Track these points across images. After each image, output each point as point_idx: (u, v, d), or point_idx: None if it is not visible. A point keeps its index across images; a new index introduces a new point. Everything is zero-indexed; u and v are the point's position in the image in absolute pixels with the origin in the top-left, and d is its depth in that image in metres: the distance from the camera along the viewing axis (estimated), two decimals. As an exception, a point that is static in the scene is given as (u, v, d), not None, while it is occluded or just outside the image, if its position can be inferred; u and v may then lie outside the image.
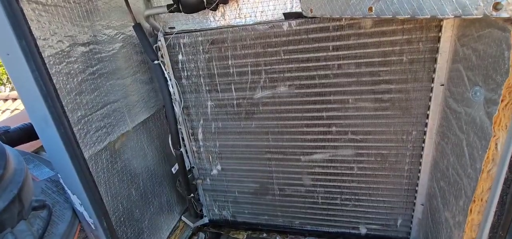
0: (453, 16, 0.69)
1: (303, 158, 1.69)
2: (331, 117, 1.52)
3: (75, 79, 1.17)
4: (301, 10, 1.34)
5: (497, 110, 0.65)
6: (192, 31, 1.53)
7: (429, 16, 0.75)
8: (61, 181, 1.12)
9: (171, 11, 1.42)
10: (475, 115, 0.82)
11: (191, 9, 1.37)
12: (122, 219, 1.47)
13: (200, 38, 1.53)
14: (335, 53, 1.37)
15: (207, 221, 2.10)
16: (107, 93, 1.35)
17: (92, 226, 1.19)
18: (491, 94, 0.71)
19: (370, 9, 0.94)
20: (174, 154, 1.68)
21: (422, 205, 1.58)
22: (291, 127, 1.62)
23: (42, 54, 0.92)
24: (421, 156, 1.48)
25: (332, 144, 1.60)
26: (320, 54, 1.39)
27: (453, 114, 1.03)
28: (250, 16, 1.45)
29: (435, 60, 1.25)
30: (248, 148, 1.76)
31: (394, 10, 0.85)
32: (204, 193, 2.02)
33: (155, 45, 1.56)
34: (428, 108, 1.36)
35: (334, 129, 1.55)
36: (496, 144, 0.68)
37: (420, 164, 1.50)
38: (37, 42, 0.90)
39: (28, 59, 0.91)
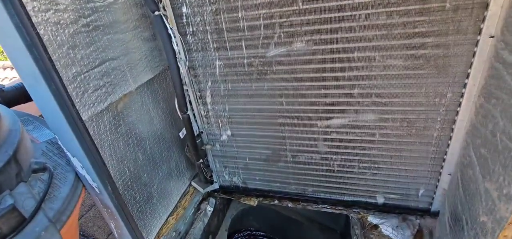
0: None
1: (320, 123, 1.55)
2: (353, 78, 1.36)
3: (66, 31, 1.04)
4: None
5: None
6: (197, -21, 1.35)
7: None
8: (60, 143, 1.04)
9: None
10: (549, 66, 0.65)
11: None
12: (129, 183, 1.41)
13: (206, -14, 1.35)
14: (363, 0, 1.17)
15: (217, 187, 2.05)
16: (105, 48, 1.23)
17: (96, 190, 1.12)
18: None
19: None
20: (181, 117, 1.57)
21: (449, 174, 1.44)
22: (307, 89, 1.46)
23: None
24: (454, 122, 1.31)
25: (352, 107, 1.44)
26: (345, 2, 1.20)
27: (509, 69, 0.85)
28: (263, -41, 1.25)
29: (486, 6, 1.04)
30: (260, 112, 1.63)
31: None
32: (213, 159, 1.95)
33: (156, -6, 1.39)
34: (470, 66, 1.17)
35: (356, 91, 1.39)
36: None
37: (452, 130, 1.34)
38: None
39: (5, 3, 0.78)
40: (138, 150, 1.49)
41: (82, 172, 1.07)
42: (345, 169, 1.67)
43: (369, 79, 1.34)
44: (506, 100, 0.84)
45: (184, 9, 1.43)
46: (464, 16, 1.09)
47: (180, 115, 1.58)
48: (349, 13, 1.21)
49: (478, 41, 1.11)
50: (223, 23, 1.41)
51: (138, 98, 1.47)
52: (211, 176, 2.00)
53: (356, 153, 1.58)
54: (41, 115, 1.68)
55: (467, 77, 1.19)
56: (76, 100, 1.06)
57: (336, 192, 1.78)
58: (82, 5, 1.11)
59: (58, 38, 1.00)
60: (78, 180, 1.14)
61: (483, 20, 1.07)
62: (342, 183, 1.73)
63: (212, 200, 2.03)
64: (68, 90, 0.95)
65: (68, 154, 1.05)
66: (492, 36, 1.06)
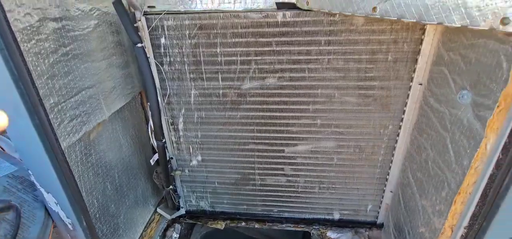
0: (460, 25, 0.75)
1: (287, 149, 1.72)
2: (317, 111, 1.57)
3: (47, 61, 1.01)
4: (295, 1, 1.33)
5: (492, 115, 0.73)
6: (178, 13, 1.42)
7: (435, 23, 0.80)
8: (33, 179, 0.97)
9: (154, -11, 1.29)
10: (461, 116, 0.91)
11: (178, -11, 1.26)
12: (97, 215, 1.34)
13: (186, 22, 1.43)
14: (326, 48, 1.40)
15: (184, 213, 2.04)
16: (82, 77, 1.20)
17: (70, 226, 1.06)
18: (483, 99, 0.80)
19: (374, 9, 0.97)
20: (155, 145, 1.57)
21: (391, 192, 1.74)
22: (277, 118, 1.62)
23: (13, 29, 0.77)
24: (394, 148, 1.61)
25: (315, 136, 1.65)
26: (312, 47, 1.41)
27: (435, 113, 1.13)
28: (240, 2, 1.39)
29: (416, 61, 1.36)
30: (232, 139, 1.73)
31: (400, 13, 0.89)
32: (181, 184, 1.94)
33: (135, 25, 1.41)
34: (405, 105, 1.48)
35: (318, 121, 1.60)
36: (486, 144, 0.76)
37: (393, 155, 1.64)
38: (7, 15, 0.75)
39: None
40: (107, 179, 1.43)
41: (56, 208, 1.01)
42: (307, 190, 1.85)
43: (329, 112, 1.57)
44: (434, 136, 1.11)
45: (163, 41, 1.48)
46: (401, 66, 1.39)
47: (154, 144, 1.57)
48: (315, 57, 1.43)
49: (410, 86, 1.42)
50: (202, 56, 1.50)
51: (109, 126, 1.43)
52: (178, 202, 1.98)
53: (317, 175, 1.78)
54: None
55: (404, 113, 1.50)
56: (55, 131, 1.01)
57: (299, 211, 1.95)
58: (63, 34, 1.09)
59: (39, 68, 0.97)
60: (48, 216, 1.06)
61: (414, 71, 1.38)
62: (304, 202, 1.91)
63: (177, 227, 2.00)
64: (51, 123, 0.92)
65: (42, 189, 0.99)
66: (421, 84, 1.38)
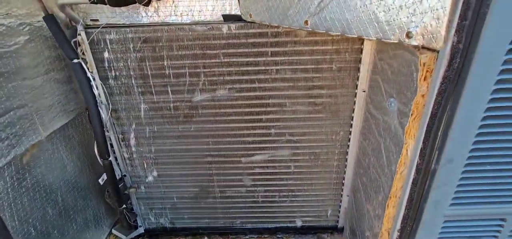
0: (375, 38, 0.78)
1: (244, 160, 1.71)
2: (270, 120, 1.58)
3: (-40, 81, 0.93)
4: (240, 13, 1.34)
5: (408, 122, 0.77)
6: (120, 26, 1.38)
7: (356, 36, 0.83)
8: None
9: (93, 2, 1.24)
10: (390, 123, 0.95)
11: (118, 3, 1.23)
12: (35, 245, 1.24)
13: (130, 35, 1.39)
14: (273, 58, 1.42)
15: (142, 231, 1.95)
16: (9, 97, 1.11)
17: (-8, 261, 0.97)
18: (403, 107, 0.84)
19: (306, 22, 1.00)
20: (102, 164, 1.49)
21: (348, 196, 1.78)
22: (231, 129, 1.61)
23: None
24: (346, 153, 1.66)
25: (271, 145, 1.65)
26: (259, 59, 1.42)
27: (373, 119, 1.18)
28: (187, 14, 1.38)
29: (358, 69, 1.41)
30: (187, 152, 1.69)
31: (326, 27, 0.92)
32: (138, 202, 1.86)
33: (74, 39, 1.34)
34: (353, 112, 1.53)
35: (272, 131, 1.61)
36: (407, 150, 0.80)
37: (346, 160, 1.68)
38: None
39: None
40: (47, 204, 1.34)
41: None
42: (268, 199, 1.85)
43: (282, 121, 1.58)
44: (373, 141, 1.15)
45: (106, 55, 1.42)
46: (345, 75, 1.44)
47: (100, 162, 1.49)
48: (263, 68, 1.44)
49: (356, 93, 1.47)
50: (148, 70, 1.46)
51: (49, 146, 1.34)
52: (135, 221, 1.90)
53: (276, 183, 1.79)
54: None
55: (352, 119, 1.55)
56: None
57: (261, 220, 1.94)
58: (-18, 52, 1.01)
59: (-52, 90, 0.88)
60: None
61: (358, 78, 1.43)
62: (266, 212, 1.90)
63: (136, 247, 1.91)
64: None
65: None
66: (364, 91, 1.43)
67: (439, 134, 0.70)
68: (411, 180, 0.81)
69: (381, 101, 1.08)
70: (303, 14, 0.99)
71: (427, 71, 0.69)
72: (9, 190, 1.13)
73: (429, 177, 0.76)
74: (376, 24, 0.76)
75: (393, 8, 0.70)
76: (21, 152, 1.16)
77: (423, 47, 0.69)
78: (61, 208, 1.43)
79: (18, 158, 1.16)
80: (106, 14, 1.38)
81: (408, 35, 0.70)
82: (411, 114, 0.75)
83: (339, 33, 0.88)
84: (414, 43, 0.69)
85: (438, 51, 0.66)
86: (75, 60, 1.24)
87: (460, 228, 0.84)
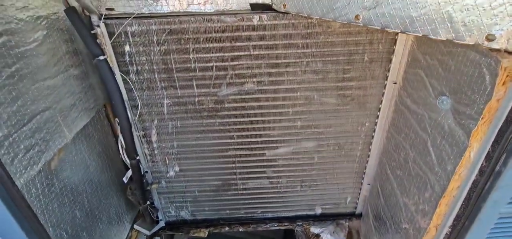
0: (445, 38, 0.75)
1: (268, 153, 1.69)
2: (297, 113, 1.55)
3: (-12, 88, 0.84)
4: (270, 3, 1.27)
5: (476, 126, 0.76)
6: (142, 17, 1.28)
7: (420, 34, 0.80)
8: (-14, 230, 0.82)
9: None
10: (442, 121, 0.94)
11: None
12: (68, 250, 1.21)
13: (154, 27, 1.29)
14: (305, 50, 1.37)
15: (163, 225, 1.94)
16: (35, 100, 1.03)
17: (36, 273, 0.93)
18: (465, 108, 0.82)
19: (357, 17, 0.95)
20: (129, 163, 1.44)
21: (369, 184, 1.81)
22: (257, 123, 1.58)
23: None
24: (371, 144, 1.66)
25: (296, 137, 1.64)
26: (290, 51, 1.37)
27: (413, 114, 1.17)
28: (211, 3, 1.30)
29: (390, 60, 1.38)
30: (211, 146, 1.65)
31: (383, 23, 0.88)
32: (159, 197, 1.84)
33: (92, 31, 1.25)
34: (380, 103, 1.51)
35: (299, 123, 1.59)
36: (470, 153, 0.79)
37: (369, 150, 1.69)
38: None
39: None
40: (75, 207, 1.29)
41: (19, 257, 0.87)
42: (289, 189, 1.86)
43: (309, 114, 1.56)
44: (413, 137, 1.15)
45: (127, 48, 1.33)
46: (376, 66, 1.41)
47: (127, 162, 1.44)
48: (294, 60, 1.39)
49: (385, 85, 1.45)
50: (173, 63, 1.38)
51: (73, 148, 1.28)
52: (157, 216, 1.88)
53: (299, 174, 1.79)
54: None
55: (379, 111, 1.54)
56: (7, 169, 0.86)
57: (282, 209, 1.96)
58: (5, 52, 0.91)
59: (-21, 99, 0.81)
60: (8, 266, 0.92)
61: (389, 70, 1.41)
62: (287, 201, 1.92)
63: (157, 240, 1.90)
64: (9, 160, 0.78)
65: (0, 240, 0.85)
66: (395, 83, 1.42)
67: (511, 137, 0.70)
68: (471, 181, 0.82)
69: (426, 97, 1.06)
70: (354, 7, 0.94)
71: (507, 76, 0.67)
72: (41, 197, 1.07)
73: (493, 178, 0.76)
74: (448, 24, 0.73)
75: (473, 9, 0.67)
76: (50, 157, 1.10)
77: (505, 51, 0.67)
78: (87, 209, 1.38)
79: (47, 164, 1.10)
80: (122, 2, 1.28)
81: (489, 38, 0.67)
82: (482, 118, 0.74)
83: (399, 31, 0.84)
84: (496, 46, 0.67)
85: (522, 56, 0.65)
86: (101, 57, 1.16)
87: (513, 225, 0.86)
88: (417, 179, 1.09)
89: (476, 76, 0.77)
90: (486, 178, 0.78)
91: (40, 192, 1.07)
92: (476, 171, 0.79)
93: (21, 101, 0.97)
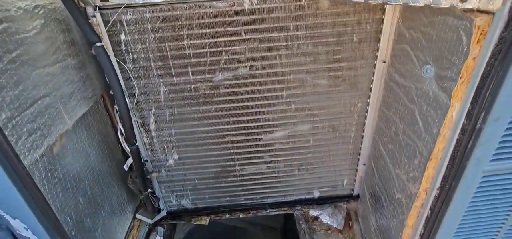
0: (423, 4, 0.79)
1: (264, 137, 1.73)
2: (290, 96, 1.59)
3: (-9, 71, 0.88)
4: (261, -13, 1.31)
5: (456, 85, 0.80)
6: (135, 6, 1.32)
7: (401, 4, 0.84)
8: (-7, 205, 0.86)
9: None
10: (427, 89, 0.99)
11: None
12: (73, 233, 1.24)
13: (148, 15, 1.33)
14: (295, 33, 1.41)
15: (165, 214, 1.98)
16: (35, 85, 1.07)
17: (43, 251, 0.97)
18: (446, 72, 0.87)
19: (342, -8, 0.99)
20: (128, 150, 1.48)
21: (364, 165, 1.85)
22: (252, 107, 1.62)
23: None
24: (364, 124, 1.71)
25: (291, 120, 1.68)
26: (281, 34, 1.41)
27: (401, 88, 1.21)
28: (204, -10, 1.33)
29: (379, 40, 1.43)
30: (208, 133, 1.69)
31: (367, -5, 0.92)
32: (159, 186, 1.87)
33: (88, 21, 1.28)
34: (371, 83, 1.56)
35: (293, 106, 1.63)
36: (452, 113, 0.84)
37: (363, 130, 1.73)
38: None
39: None
40: (78, 193, 1.33)
41: (26, 233, 0.91)
42: (287, 173, 1.90)
43: (303, 96, 1.60)
44: (402, 110, 1.19)
45: (123, 37, 1.37)
46: (365, 46, 1.45)
47: (127, 148, 1.48)
48: (285, 43, 1.43)
49: (375, 64, 1.49)
50: (168, 51, 1.42)
51: (73, 135, 1.32)
52: (158, 204, 1.91)
53: (296, 158, 1.83)
54: None
55: (370, 91, 1.58)
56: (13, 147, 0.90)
57: (281, 195, 2.00)
58: (6, 38, 0.95)
59: (-18, 81, 0.84)
60: (15, 244, 0.96)
61: (377, 49, 1.45)
62: (285, 186, 1.96)
63: (160, 229, 1.94)
64: (12, 141, 0.81)
65: (7, 216, 0.88)
66: (384, 61, 1.46)
67: (488, 94, 0.74)
68: (455, 141, 0.86)
69: (412, 69, 1.10)
70: (339, -16, 0.98)
71: (481, 34, 0.71)
72: (44, 181, 1.11)
73: (474, 136, 0.81)
74: (425, -10, 0.77)
75: (446, -27, 0.71)
76: (52, 142, 1.14)
77: (478, 11, 0.71)
78: (90, 196, 1.42)
79: (49, 148, 1.14)
80: (117, -6, 1.32)
81: (462, -1, 0.71)
82: (460, 78, 0.78)
83: (381, 2, 0.89)
84: (469, 6, 0.71)
85: (493, 14, 0.69)
86: (98, 44, 1.20)
87: (497, 182, 0.91)
88: (407, 149, 1.13)
89: (455, 40, 0.81)
90: (468, 136, 0.82)
91: (43, 176, 1.11)
92: (458, 130, 0.84)
93: (23, 86, 1.01)
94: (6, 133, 0.90)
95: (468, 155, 0.84)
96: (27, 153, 0.99)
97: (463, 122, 0.82)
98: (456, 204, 0.95)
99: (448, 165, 0.90)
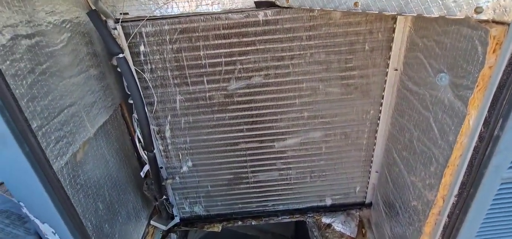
0: (437, 15, 0.82)
1: (277, 144, 1.75)
2: (303, 104, 1.61)
3: (24, 82, 0.93)
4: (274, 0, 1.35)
5: (472, 94, 0.81)
6: (155, 18, 1.37)
7: (415, 14, 0.87)
8: (26, 210, 0.90)
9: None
10: (442, 97, 1.00)
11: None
12: (93, 238, 1.28)
13: (166, 27, 1.39)
14: (308, 42, 1.44)
15: (178, 220, 2.00)
16: (62, 95, 1.12)
17: (68, 254, 1.01)
18: (461, 80, 0.88)
19: (356, 4, 1.03)
20: (146, 157, 1.52)
21: (377, 172, 1.85)
22: (265, 115, 1.65)
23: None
24: (376, 131, 1.71)
25: (303, 128, 1.70)
26: (295, 43, 1.44)
27: (415, 95, 1.23)
28: (218, 3, 1.38)
29: (390, 48, 1.45)
30: (222, 140, 1.72)
31: (381, 7, 0.95)
32: (173, 192, 1.91)
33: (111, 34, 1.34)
34: (383, 90, 1.57)
35: (305, 114, 1.65)
36: (469, 120, 0.85)
37: (375, 137, 1.74)
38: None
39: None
40: (98, 199, 1.37)
41: (53, 237, 0.95)
42: (299, 181, 1.91)
43: (315, 104, 1.62)
44: (416, 117, 1.20)
45: (142, 48, 1.43)
46: (377, 54, 1.48)
47: (144, 156, 1.52)
48: (298, 52, 1.46)
49: (387, 72, 1.51)
50: (185, 61, 1.47)
51: (94, 143, 1.36)
52: (172, 211, 1.94)
53: (308, 165, 1.84)
54: None
55: (382, 98, 1.59)
56: (45, 153, 0.95)
57: (293, 202, 2.01)
58: (38, 51, 1.01)
59: (17, 91, 0.90)
60: (42, 248, 1.00)
61: (389, 57, 1.47)
62: (297, 193, 1.97)
63: (173, 236, 1.96)
64: (42, 148, 0.86)
65: (37, 221, 0.92)
66: (396, 69, 1.48)
67: (505, 102, 0.75)
68: (472, 148, 0.87)
69: (426, 77, 1.12)
70: (353, -5, 1.01)
71: (496, 44, 0.73)
72: (68, 187, 1.15)
73: (492, 143, 0.81)
74: (440, 2, 0.79)
75: (461, -15, 0.74)
76: (76, 149, 1.19)
77: (493, 21, 0.73)
78: (108, 202, 1.46)
79: (73, 155, 1.18)
80: (135, 7, 1.38)
81: (477, 10, 0.74)
82: (477, 86, 0.80)
83: (395, 13, 0.91)
84: (484, 17, 0.73)
85: (509, 24, 0.71)
86: (120, 55, 1.25)
87: (516, 189, 0.91)
88: (422, 156, 1.14)
89: (470, 49, 0.83)
90: (486, 143, 0.83)
91: (67, 182, 1.15)
92: (476, 138, 0.85)
93: (51, 96, 1.06)
94: (37, 141, 0.95)
95: (486, 162, 0.85)
96: (54, 160, 1.04)
97: (481, 130, 0.83)
98: (474, 211, 0.95)
99: (466, 172, 0.91)
